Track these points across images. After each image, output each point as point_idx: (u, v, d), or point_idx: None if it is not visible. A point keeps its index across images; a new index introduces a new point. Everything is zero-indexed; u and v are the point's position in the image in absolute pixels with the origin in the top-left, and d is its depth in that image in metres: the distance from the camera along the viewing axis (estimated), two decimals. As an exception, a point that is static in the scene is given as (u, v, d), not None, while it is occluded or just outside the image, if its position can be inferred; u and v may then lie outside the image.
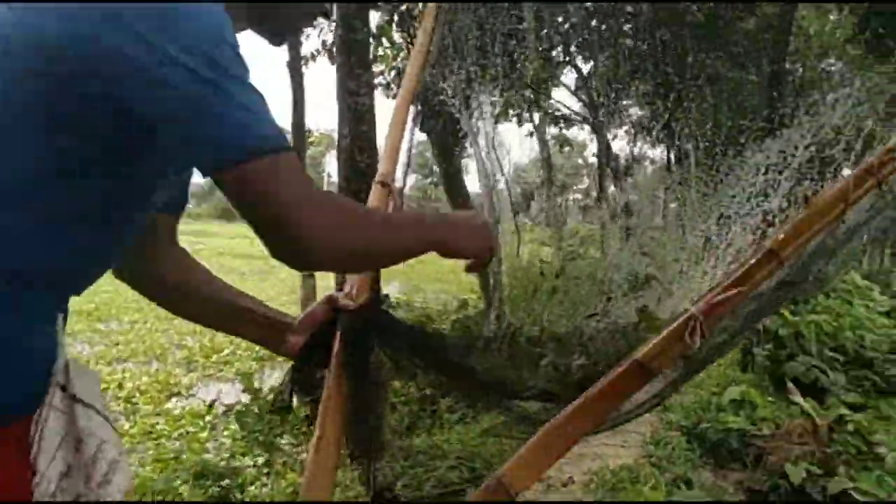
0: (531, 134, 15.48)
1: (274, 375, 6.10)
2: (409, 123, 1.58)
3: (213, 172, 0.77)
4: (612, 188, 14.04)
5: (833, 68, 10.65)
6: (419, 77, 1.63)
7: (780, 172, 1.79)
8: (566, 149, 20.25)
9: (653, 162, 14.29)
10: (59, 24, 0.74)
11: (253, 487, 3.57)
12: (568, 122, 15.84)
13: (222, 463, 3.97)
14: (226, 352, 7.17)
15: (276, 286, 12.42)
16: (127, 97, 0.76)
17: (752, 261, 0.94)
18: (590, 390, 0.96)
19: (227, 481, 3.49)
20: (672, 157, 11.82)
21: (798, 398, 3.97)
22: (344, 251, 0.86)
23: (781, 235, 0.95)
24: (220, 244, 19.92)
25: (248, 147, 0.75)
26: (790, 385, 4.23)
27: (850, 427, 4.01)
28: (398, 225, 1.00)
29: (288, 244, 0.80)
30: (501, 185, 9.06)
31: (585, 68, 12.66)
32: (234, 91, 0.75)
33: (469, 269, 1.12)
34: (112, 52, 0.72)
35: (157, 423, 4.89)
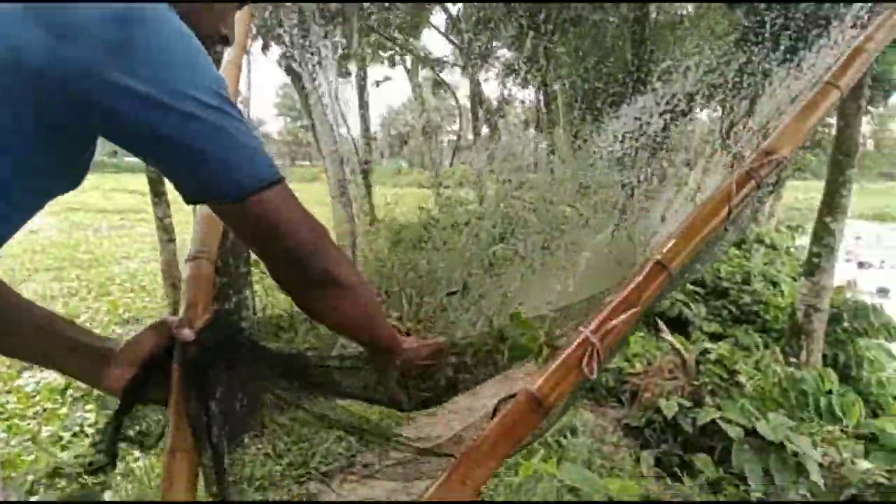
0: (377, 83, 15.26)
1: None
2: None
3: (230, 201, 0.79)
4: (485, 129, 14.14)
5: (684, 13, 11.10)
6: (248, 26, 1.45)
7: (637, 139, 1.77)
8: (440, 91, 20.10)
9: (522, 103, 14.48)
10: (47, 54, 0.70)
11: (118, 479, 3.29)
12: (440, 63, 15.65)
13: (82, 448, 3.65)
14: (83, 318, 6.63)
15: (136, 242, 11.52)
16: (132, 132, 0.76)
17: (641, 277, 0.88)
18: (488, 430, 0.87)
19: (86, 478, 3.21)
20: (541, 101, 12.03)
21: (668, 336, 4.21)
22: (345, 284, 0.88)
23: (668, 246, 0.89)
24: (69, 199, 18.15)
25: (263, 178, 0.79)
26: (660, 323, 4.48)
27: (713, 357, 4.34)
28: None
29: (301, 268, 0.84)
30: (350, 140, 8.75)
31: (454, 10, 12.46)
32: (242, 122, 0.78)
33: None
34: (122, 91, 0.72)
35: (8, 402, 4.43)
